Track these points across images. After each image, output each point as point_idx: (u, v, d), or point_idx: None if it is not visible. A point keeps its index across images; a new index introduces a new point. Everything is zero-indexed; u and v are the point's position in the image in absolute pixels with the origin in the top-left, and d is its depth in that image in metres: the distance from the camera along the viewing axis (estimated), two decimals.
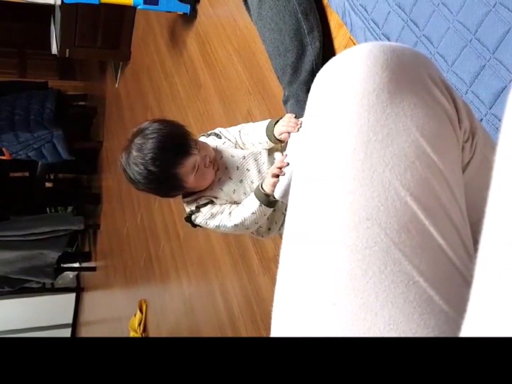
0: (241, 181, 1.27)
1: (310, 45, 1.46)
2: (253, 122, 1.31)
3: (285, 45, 1.48)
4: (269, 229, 1.34)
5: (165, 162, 1.18)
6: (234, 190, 1.27)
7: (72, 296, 6.09)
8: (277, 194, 1.22)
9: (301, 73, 1.46)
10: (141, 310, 3.37)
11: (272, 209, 1.24)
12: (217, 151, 1.29)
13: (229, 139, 1.33)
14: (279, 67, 1.51)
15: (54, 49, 3.82)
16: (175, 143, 1.19)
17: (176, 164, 1.19)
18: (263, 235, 1.36)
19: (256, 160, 1.28)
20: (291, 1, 1.46)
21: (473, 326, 0.35)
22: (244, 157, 1.28)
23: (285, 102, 1.52)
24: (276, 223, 1.34)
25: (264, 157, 1.29)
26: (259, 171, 1.27)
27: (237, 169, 1.27)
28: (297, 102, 1.48)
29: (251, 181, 1.27)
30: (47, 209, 5.59)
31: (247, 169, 1.27)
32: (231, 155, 1.28)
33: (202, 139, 1.35)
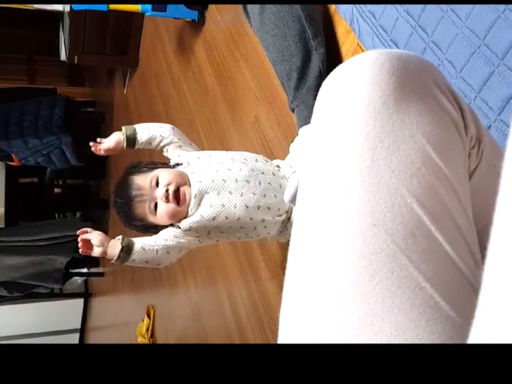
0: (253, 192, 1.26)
1: (315, 50, 1.45)
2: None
3: (290, 50, 1.47)
4: (286, 229, 1.33)
5: (129, 220, 1.30)
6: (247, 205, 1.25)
7: (80, 302, 6.10)
8: (286, 198, 1.22)
9: (308, 79, 1.45)
10: (148, 316, 3.37)
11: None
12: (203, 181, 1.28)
13: (196, 158, 1.34)
14: (284, 73, 1.50)
15: (63, 56, 3.84)
16: (122, 203, 1.29)
17: (134, 217, 1.28)
18: (279, 237, 1.37)
19: (252, 170, 1.28)
20: (294, 6, 1.46)
21: (481, 333, 0.35)
22: (236, 180, 1.26)
23: (292, 108, 1.52)
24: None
25: (261, 165, 1.30)
26: (260, 183, 1.26)
27: (231, 193, 1.25)
28: (307, 108, 1.47)
29: (255, 193, 1.26)
30: (56, 214, 5.61)
31: (246, 181, 1.26)
32: (222, 180, 1.26)
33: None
